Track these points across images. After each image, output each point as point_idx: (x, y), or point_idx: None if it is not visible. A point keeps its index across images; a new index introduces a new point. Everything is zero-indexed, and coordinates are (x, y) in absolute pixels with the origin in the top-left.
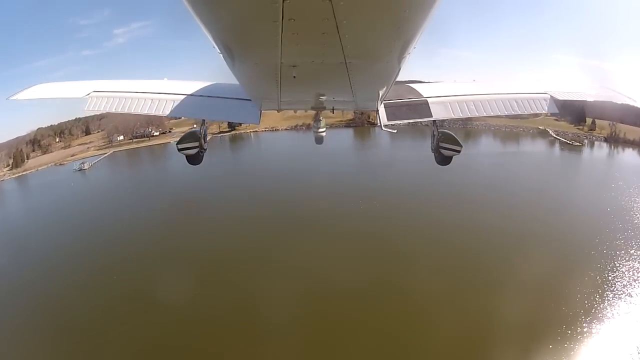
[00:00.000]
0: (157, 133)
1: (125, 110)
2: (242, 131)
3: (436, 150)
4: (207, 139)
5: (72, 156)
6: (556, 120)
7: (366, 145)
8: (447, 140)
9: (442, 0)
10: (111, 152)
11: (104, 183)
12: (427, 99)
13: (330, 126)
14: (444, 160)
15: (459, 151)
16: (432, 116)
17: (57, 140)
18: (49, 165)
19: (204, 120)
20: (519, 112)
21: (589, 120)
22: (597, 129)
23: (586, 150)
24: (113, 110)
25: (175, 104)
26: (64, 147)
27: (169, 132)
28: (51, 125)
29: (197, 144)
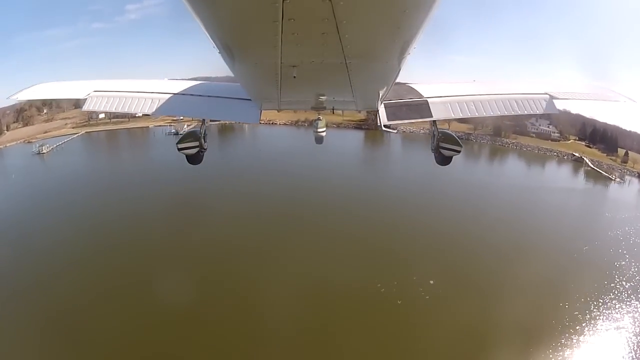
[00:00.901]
0: (140, 114)
1: (125, 110)
2: (233, 121)
3: (436, 150)
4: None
5: (44, 133)
6: (587, 146)
7: (381, 157)
8: (447, 141)
9: (443, 0)
10: (83, 132)
11: (55, 177)
12: (427, 99)
13: (337, 126)
14: (443, 160)
15: (458, 151)
16: (432, 116)
17: (45, 111)
18: (19, 142)
19: (204, 120)
20: (519, 112)
21: (621, 151)
22: (629, 161)
23: (631, 189)
24: (113, 110)
25: (176, 103)
26: (47, 120)
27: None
28: None
29: (197, 143)
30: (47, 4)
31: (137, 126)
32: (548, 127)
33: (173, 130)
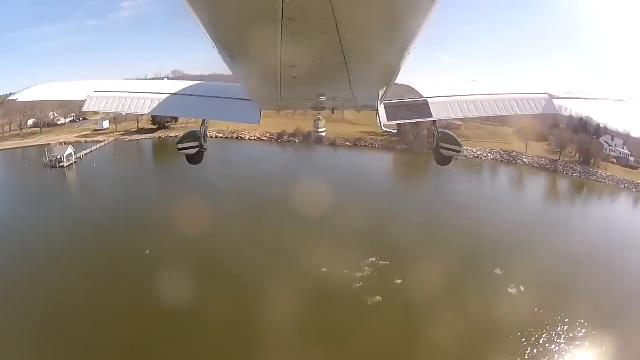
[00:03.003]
0: (67, 120)
1: (126, 110)
2: (174, 134)
3: (436, 150)
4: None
5: None
6: None
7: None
8: (447, 141)
9: (443, 0)
10: None
11: None
12: (427, 99)
13: (355, 143)
14: (443, 160)
15: (459, 151)
16: (432, 116)
17: None
18: None
19: (204, 120)
20: (519, 113)
21: None
22: None
23: None
24: (113, 110)
25: (176, 104)
26: None
27: (83, 119)
28: None
29: (197, 143)
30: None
31: (40, 143)
32: (623, 148)
33: (52, 158)
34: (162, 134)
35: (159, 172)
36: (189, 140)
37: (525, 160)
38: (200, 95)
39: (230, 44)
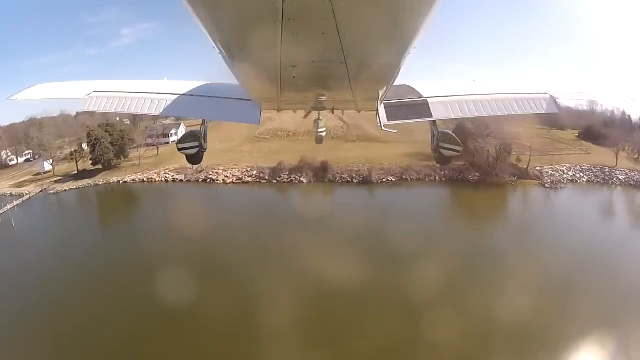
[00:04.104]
0: (21, 159)
1: (125, 110)
2: (117, 177)
3: (436, 150)
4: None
5: None
6: None
7: None
8: (447, 141)
9: (443, 0)
10: None
11: None
12: (427, 99)
13: (403, 176)
14: (444, 160)
15: (459, 151)
16: (432, 116)
17: None
18: None
19: (204, 120)
20: (519, 112)
21: None
22: None
23: None
24: (113, 110)
25: (175, 104)
26: None
27: (36, 158)
28: None
29: (197, 143)
30: (40, 31)
31: None
32: None
33: None
34: (102, 178)
35: (68, 267)
36: (189, 140)
37: (620, 177)
38: (200, 95)
39: (230, 44)
